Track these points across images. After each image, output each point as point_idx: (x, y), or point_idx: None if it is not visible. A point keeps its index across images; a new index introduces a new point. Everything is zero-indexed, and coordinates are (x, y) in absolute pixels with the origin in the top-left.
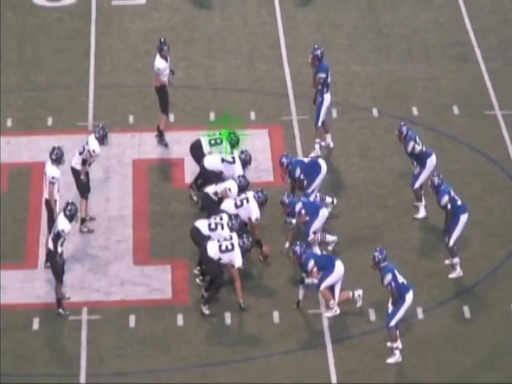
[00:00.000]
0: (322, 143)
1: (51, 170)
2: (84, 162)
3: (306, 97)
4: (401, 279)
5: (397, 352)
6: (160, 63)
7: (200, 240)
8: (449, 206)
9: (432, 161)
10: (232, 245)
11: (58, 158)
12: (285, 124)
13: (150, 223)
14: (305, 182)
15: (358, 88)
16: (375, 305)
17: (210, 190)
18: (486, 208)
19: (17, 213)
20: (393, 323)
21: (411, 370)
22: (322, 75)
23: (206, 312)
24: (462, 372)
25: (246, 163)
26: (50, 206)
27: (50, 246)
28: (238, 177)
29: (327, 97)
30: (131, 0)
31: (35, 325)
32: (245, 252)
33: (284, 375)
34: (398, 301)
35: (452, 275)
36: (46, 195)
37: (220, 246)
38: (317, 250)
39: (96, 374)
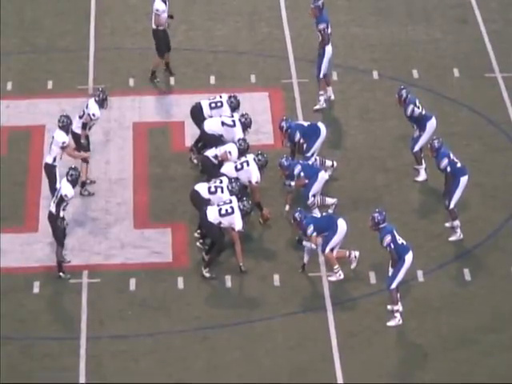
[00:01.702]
0: (325, 96)
1: (60, 136)
2: (84, 126)
3: (306, 59)
4: (400, 240)
5: (397, 315)
6: (159, 5)
7: (200, 203)
8: (448, 169)
9: (432, 124)
10: (232, 208)
11: (64, 125)
12: (285, 87)
13: (150, 186)
14: (304, 146)
15: (358, 50)
16: (375, 267)
17: (210, 153)
18: (486, 170)
19: (17, 176)
20: (394, 285)
21: (411, 333)
22: (323, 26)
23: (207, 275)
24: (462, 334)
25: (246, 126)
26: (50, 170)
27: (53, 209)
28: (239, 140)
29: (328, 49)
30: None
31: (35, 288)
32: (245, 215)
33: (284, 338)
34: (398, 262)
35: (452, 238)
36: (47, 159)
37: (220, 210)
38: (317, 213)
39: (96, 337)
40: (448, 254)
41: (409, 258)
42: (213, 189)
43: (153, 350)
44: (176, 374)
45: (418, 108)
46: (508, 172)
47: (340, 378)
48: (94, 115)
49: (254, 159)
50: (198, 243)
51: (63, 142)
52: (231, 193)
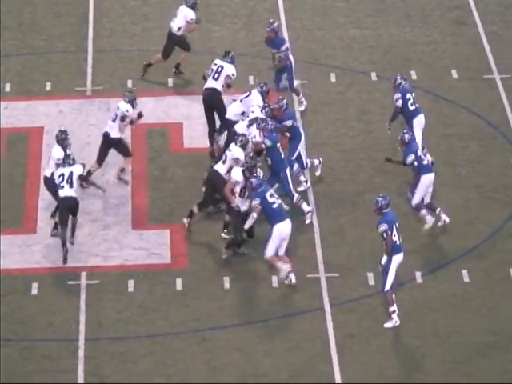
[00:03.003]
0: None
1: (57, 152)
2: (119, 128)
3: (304, 61)
4: (395, 237)
5: (394, 316)
6: (192, 14)
7: (218, 183)
8: (415, 164)
9: (419, 120)
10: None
11: (59, 140)
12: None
13: (148, 188)
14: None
15: (357, 52)
16: (374, 269)
17: (221, 168)
18: (485, 171)
19: (15, 178)
20: (387, 287)
21: (410, 334)
22: (285, 47)
23: (224, 256)
24: (461, 336)
25: (264, 94)
26: (48, 183)
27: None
28: (239, 135)
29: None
30: None
31: (34, 290)
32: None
33: (283, 339)
34: (386, 260)
35: (425, 227)
36: (45, 173)
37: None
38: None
39: (95, 339)
40: (446, 255)
41: (397, 258)
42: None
43: (151, 351)
44: (175, 376)
45: (408, 100)
46: (506, 173)
47: (338, 379)
48: (127, 111)
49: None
50: (222, 234)
51: (58, 159)
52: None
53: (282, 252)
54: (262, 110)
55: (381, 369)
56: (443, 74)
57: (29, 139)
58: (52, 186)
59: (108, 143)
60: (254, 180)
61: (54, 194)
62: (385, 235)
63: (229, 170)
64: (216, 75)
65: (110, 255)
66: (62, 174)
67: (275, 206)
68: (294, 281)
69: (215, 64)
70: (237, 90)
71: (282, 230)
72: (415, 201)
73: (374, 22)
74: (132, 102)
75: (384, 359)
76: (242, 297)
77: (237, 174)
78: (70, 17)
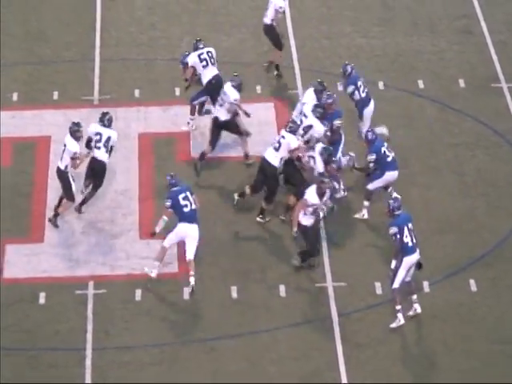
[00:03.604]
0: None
1: (72, 145)
2: (232, 113)
3: (311, 70)
4: (407, 238)
5: (399, 315)
6: (282, 2)
7: (270, 172)
8: (372, 165)
9: (370, 109)
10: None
11: (73, 132)
12: (290, 97)
13: (155, 197)
14: None
15: (364, 61)
16: (382, 278)
17: (271, 156)
18: (491, 180)
19: (22, 187)
20: (396, 285)
21: (417, 343)
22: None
23: (260, 220)
24: (468, 344)
25: (319, 93)
26: (62, 176)
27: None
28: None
29: None
30: None
31: (41, 299)
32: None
33: (290, 348)
34: (397, 260)
35: (356, 215)
36: (59, 165)
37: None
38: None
39: (102, 348)
40: (454, 264)
41: (407, 260)
42: (276, 144)
43: (158, 360)
44: None
45: (359, 88)
46: None
47: None
48: (235, 100)
49: (320, 152)
50: (258, 218)
51: (74, 153)
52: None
53: (189, 255)
54: (313, 110)
55: (388, 377)
56: (450, 82)
57: (36, 148)
58: (65, 178)
59: (219, 126)
60: (169, 178)
61: (67, 187)
62: (394, 238)
63: (282, 159)
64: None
65: (118, 264)
66: (100, 134)
67: (186, 209)
68: (154, 275)
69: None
70: (245, 100)
71: (185, 230)
72: (371, 187)
73: (381, 31)
74: (239, 87)
75: (391, 368)
76: (250, 306)
77: (311, 195)
78: (77, 26)
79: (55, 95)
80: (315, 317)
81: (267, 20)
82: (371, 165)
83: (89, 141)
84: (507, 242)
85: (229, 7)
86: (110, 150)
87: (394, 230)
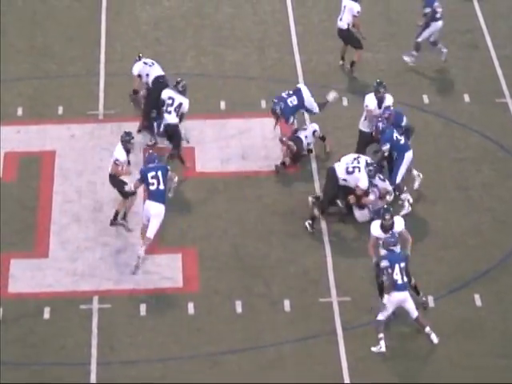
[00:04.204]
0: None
1: (119, 153)
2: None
3: (316, 85)
4: (397, 276)
5: (381, 343)
6: (359, 7)
7: (332, 181)
8: (387, 153)
9: (409, 155)
10: (359, 168)
11: (124, 141)
12: None
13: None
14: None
15: (369, 75)
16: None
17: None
18: (497, 195)
19: (27, 201)
20: (381, 317)
21: (422, 358)
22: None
23: (308, 227)
24: (473, 359)
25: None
26: (113, 180)
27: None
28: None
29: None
30: None
31: (46, 314)
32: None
33: (295, 363)
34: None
35: (402, 212)
36: (109, 171)
37: (347, 168)
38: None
39: (107, 363)
40: (458, 279)
41: (395, 296)
42: (350, 169)
43: (163, 375)
44: None
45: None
46: None
47: None
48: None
49: (366, 168)
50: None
51: (117, 159)
52: (369, 176)
53: (149, 233)
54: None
55: None
56: (455, 97)
57: (41, 163)
58: (115, 181)
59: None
60: (147, 155)
61: (120, 188)
62: (384, 272)
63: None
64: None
65: (122, 279)
66: (172, 99)
67: (152, 187)
68: (141, 252)
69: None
70: (250, 114)
71: (148, 208)
72: (399, 180)
73: (386, 46)
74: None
75: (396, 383)
76: (254, 321)
77: (375, 229)
78: (82, 40)
79: (60, 110)
80: (320, 332)
81: (343, 24)
82: (385, 154)
83: (161, 105)
84: (511, 258)
85: (233, 22)
86: (180, 117)
87: (385, 263)
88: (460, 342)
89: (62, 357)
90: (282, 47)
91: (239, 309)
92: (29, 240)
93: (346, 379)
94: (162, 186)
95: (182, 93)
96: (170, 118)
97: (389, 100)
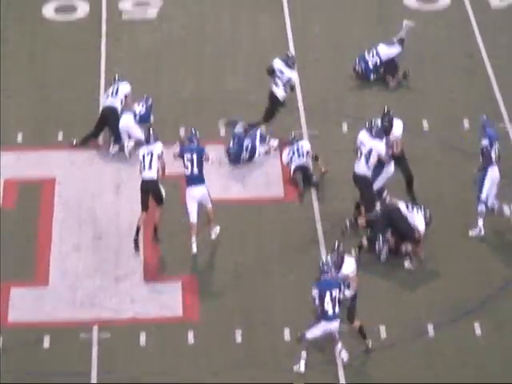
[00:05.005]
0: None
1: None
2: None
3: (316, 111)
4: (328, 306)
5: (302, 361)
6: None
7: (399, 219)
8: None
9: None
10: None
11: (293, 64)
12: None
13: (160, 239)
14: None
15: (368, 100)
16: (386, 321)
17: (402, 206)
18: (497, 222)
19: (27, 229)
20: (308, 336)
21: None
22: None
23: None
24: None
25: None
26: (157, 185)
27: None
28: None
29: None
30: (141, 14)
31: (46, 343)
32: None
33: None
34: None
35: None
36: (150, 174)
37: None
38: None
39: None
40: (458, 307)
41: (325, 325)
42: (410, 208)
43: None
44: None
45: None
46: None
47: None
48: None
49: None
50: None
51: (160, 154)
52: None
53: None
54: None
55: None
56: (455, 123)
57: (41, 190)
58: (158, 186)
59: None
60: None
61: (160, 194)
62: (315, 300)
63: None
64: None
65: (122, 308)
66: (282, 72)
67: (187, 171)
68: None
69: None
70: None
71: (192, 195)
72: (484, 195)
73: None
74: (292, 65)
75: None
76: (254, 350)
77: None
78: (82, 66)
79: (60, 136)
80: (320, 361)
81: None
82: (485, 150)
83: (271, 72)
84: (511, 286)
85: (233, 47)
86: (289, 89)
87: (314, 292)
88: (460, 370)
89: None
90: None
91: (239, 338)
92: (29, 269)
93: None
94: (195, 170)
95: (292, 67)
96: (278, 91)
97: (397, 128)
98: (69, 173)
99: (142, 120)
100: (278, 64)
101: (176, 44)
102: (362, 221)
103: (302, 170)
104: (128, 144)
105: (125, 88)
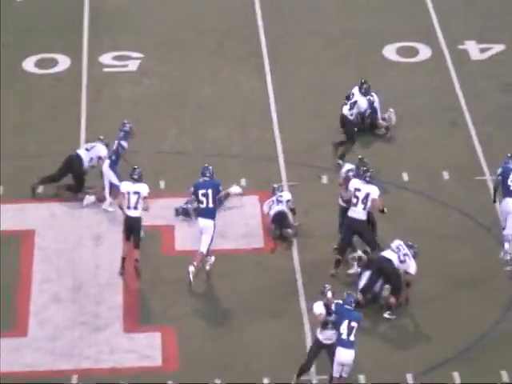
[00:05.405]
0: None
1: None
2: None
3: (296, 162)
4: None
5: None
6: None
7: (391, 271)
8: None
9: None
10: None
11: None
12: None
13: (140, 290)
14: None
15: (349, 154)
16: (366, 371)
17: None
18: (477, 272)
19: (7, 281)
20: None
21: None
22: None
23: (389, 316)
24: None
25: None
26: (140, 223)
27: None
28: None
29: None
30: (122, 67)
31: None
32: None
33: None
34: None
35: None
36: (133, 214)
37: (399, 257)
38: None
39: None
40: (437, 356)
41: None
42: (402, 258)
43: None
44: None
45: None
46: (498, 274)
47: None
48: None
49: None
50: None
51: (147, 194)
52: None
53: (202, 248)
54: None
55: None
56: (435, 175)
57: (20, 242)
58: (140, 225)
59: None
60: (202, 168)
61: (139, 234)
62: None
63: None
64: None
65: (101, 358)
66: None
67: (202, 205)
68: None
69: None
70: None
71: (199, 225)
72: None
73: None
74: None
75: None
76: None
77: (317, 307)
78: (63, 119)
79: (40, 188)
80: None
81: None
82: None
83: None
84: (491, 336)
85: (214, 100)
86: (355, 112)
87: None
88: None
89: None
90: (262, 125)
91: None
92: (8, 319)
93: None
94: (211, 205)
95: (363, 93)
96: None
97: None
98: (48, 224)
99: (124, 138)
100: (355, 88)
101: (156, 97)
102: (354, 256)
103: (281, 215)
104: (89, 198)
105: (102, 150)
